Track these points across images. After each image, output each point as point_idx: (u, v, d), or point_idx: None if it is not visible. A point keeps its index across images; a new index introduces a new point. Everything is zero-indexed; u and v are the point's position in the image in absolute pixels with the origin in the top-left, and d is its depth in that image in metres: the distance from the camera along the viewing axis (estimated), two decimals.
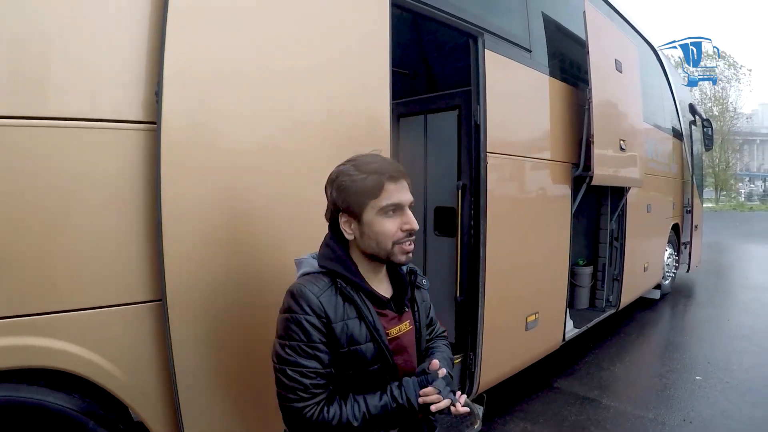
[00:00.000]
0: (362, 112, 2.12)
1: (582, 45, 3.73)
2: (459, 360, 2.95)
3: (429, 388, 1.22)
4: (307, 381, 1.18)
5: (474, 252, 2.91)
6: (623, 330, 5.38)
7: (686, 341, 5.16)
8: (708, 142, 8.12)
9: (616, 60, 4.06)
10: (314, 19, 1.92)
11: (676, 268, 6.99)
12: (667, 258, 6.58)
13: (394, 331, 1.29)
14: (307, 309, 1.19)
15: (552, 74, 3.59)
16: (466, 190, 3.10)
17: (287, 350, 1.19)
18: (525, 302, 3.36)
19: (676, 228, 6.77)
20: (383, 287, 1.33)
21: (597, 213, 4.74)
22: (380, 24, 2.19)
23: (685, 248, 7.20)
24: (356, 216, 1.24)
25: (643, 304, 6.33)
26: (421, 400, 1.22)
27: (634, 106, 4.42)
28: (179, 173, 1.52)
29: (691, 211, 7.11)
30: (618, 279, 4.75)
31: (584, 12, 3.62)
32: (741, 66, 29.86)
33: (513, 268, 3.19)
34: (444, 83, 3.76)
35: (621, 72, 4.13)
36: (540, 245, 3.48)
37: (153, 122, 1.49)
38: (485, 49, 2.82)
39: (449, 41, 3.08)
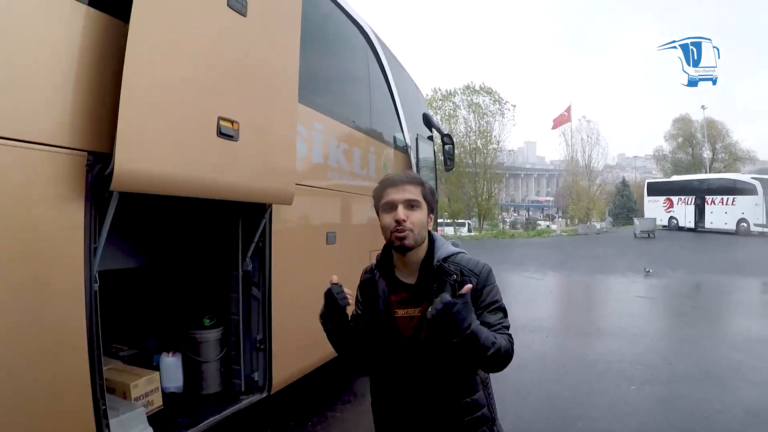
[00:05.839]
0: None
1: None
2: None
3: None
4: None
5: None
6: (337, 404, 3.87)
7: None
8: (449, 161, 7.30)
9: None
10: None
11: None
12: None
13: (400, 311, 1.52)
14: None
15: None
16: None
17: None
18: None
19: None
20: (408, 276, 1.55)
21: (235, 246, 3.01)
22: None
23: None
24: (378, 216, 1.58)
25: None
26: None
27: (275, 74, 2.80)
28: None
29: None
30: (263, 347, 3.04)
31: None
32: (506, 102, 32.86)
33: None
34: None
35: (244, 15, 2.49)
36: None
37: None
38: None
39: None
